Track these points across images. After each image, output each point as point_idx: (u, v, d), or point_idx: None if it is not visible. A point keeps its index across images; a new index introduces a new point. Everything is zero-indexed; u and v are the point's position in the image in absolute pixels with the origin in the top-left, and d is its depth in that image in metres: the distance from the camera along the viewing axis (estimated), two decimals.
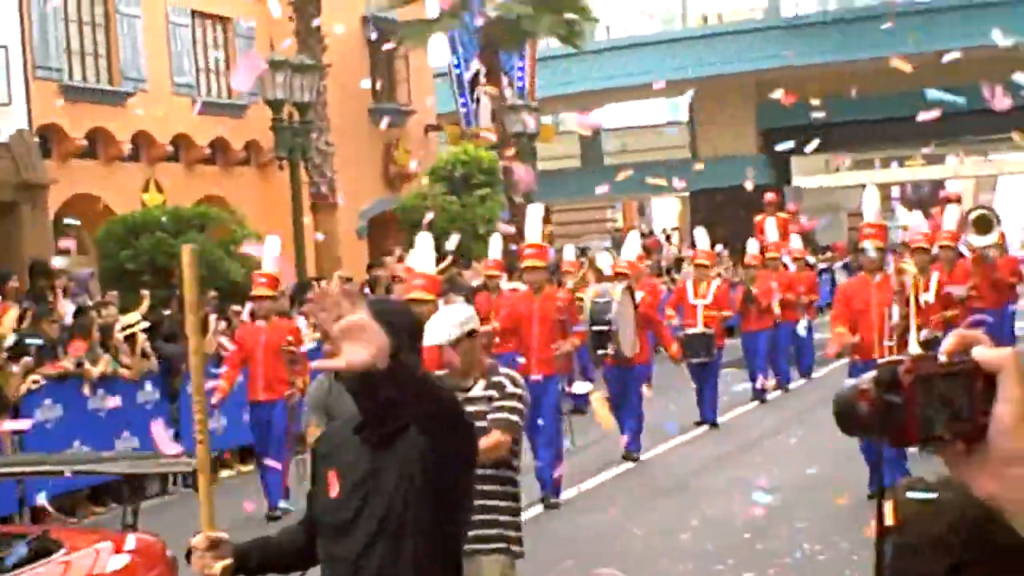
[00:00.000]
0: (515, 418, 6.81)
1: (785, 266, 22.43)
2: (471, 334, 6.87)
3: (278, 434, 14.23)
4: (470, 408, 6.24)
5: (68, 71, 25.28)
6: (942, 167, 54.57)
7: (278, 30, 26.82)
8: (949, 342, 1.65)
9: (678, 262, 33.89)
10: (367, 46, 31.73)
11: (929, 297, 14.16)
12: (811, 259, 24.87)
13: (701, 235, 20.30)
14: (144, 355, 16.17)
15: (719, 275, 21.58)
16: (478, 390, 6.86)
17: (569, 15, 33.14)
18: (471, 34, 33.36)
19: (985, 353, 1.62)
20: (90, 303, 17.70)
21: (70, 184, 24.37)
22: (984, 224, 18.36)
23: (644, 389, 16.15)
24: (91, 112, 25.35)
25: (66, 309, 17.16)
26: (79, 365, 14.72)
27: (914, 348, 12.33)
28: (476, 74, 33.93)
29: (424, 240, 12.05)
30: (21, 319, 15.55)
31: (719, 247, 25.90)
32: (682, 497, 14.05)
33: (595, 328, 15.03)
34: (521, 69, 34.92)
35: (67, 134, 24.94)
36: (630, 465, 15.95)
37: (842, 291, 14.06)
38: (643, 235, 37.87)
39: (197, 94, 27.81)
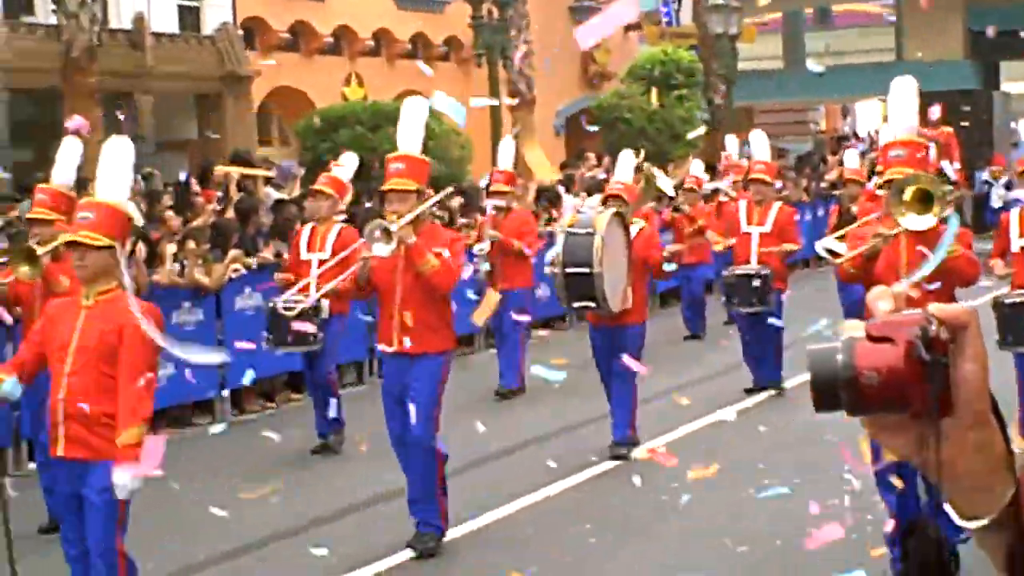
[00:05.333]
0: None
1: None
2: None
3: None
4: None
5: None
6: None
7: None
8: (880, 299, 1.49)
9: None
10: None
11: None
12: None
13: (759, 139, 14.81)
14: None
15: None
16: None
17: None
18: None
19: (948, 309, 1.47)
20: (287, 197, 17.87)
21: (273, 76, 24.69)
22: None
23: (632, 363, 10.44)
24: (293, 6, 25.58)
25: (269, 199, 17.43)
26: (278, 256, 14.86)
27: None
28: None
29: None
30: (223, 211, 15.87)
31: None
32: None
33: (570, 271, 10.65)
34: None
35: (270, 27, 25.23)
36: (616, 464, 11.23)
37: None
38: (845, 138, 37.12)
39: None
